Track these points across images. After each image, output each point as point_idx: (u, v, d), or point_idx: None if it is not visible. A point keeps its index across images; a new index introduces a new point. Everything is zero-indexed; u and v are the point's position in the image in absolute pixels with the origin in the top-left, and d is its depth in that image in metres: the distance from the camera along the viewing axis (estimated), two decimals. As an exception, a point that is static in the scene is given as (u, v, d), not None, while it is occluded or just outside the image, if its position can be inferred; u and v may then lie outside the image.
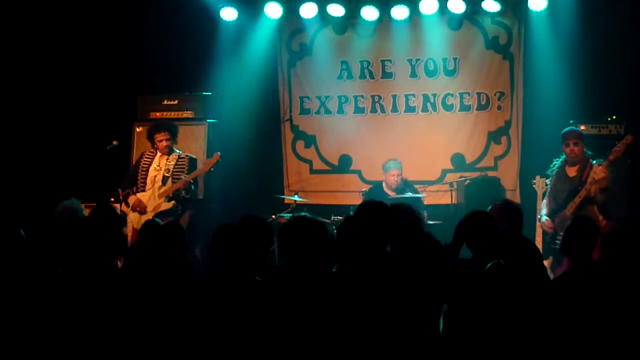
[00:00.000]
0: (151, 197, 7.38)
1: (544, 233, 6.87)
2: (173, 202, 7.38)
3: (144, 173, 7.45)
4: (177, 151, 7.57)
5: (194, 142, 8.44)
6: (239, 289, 3.99)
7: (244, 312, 3.89)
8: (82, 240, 4.34)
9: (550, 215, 6.82)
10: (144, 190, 7.42)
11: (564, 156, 6.86)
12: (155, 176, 7.40)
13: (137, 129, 8.48)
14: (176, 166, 7.44)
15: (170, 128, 7.51)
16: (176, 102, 8.64)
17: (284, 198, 8.76)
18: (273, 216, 8.07)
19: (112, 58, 8.88)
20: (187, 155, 7.58)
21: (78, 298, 4.07)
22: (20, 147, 8.71)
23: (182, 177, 7.36)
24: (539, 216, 6.95)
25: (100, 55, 8.89)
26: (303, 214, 5.46)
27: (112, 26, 8.81)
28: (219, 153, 7.50)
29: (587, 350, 3.82)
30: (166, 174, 7.39)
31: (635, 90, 7.88)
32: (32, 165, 8.66)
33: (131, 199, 7.37)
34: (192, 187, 7.46)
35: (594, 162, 6.62)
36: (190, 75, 8.86)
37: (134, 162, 7.86)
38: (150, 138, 7.51)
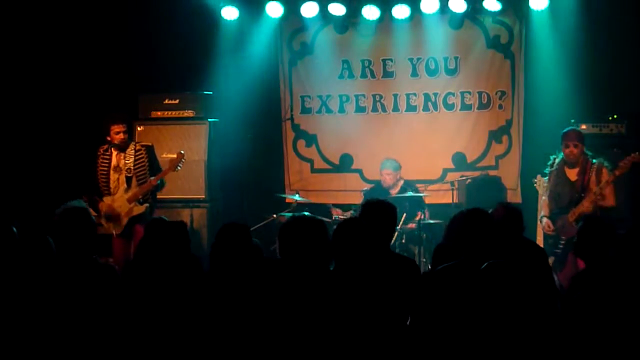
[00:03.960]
0: (120, 201, 7.02)
1: (545, 235, 6.81)
2: (146, 205, 7.06)
3: (104, 176, 7.06)
4: (130, 142, 7.18)
5: (195, 141, 8.45)
6: (242, 287, 3.99)
7: (244, 311, 3.90)
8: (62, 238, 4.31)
9: (551, 217, 6.67)
10: (108, 194, 7.05)
11: (562, 155, 6.68)
12: (118, 178, 7.04)
13: (139, 128, 8.46)
14: (136, 162, 7.07)
15: (127, 121, 7.18)
16: (177, 101, 8.63)
17: (285, 197, 8.77)
18: (274, 215, 8.09)
19: (113, 57, 8.88)
20: (143, 146, 7.20)
21: (75, 296, 4.07)
22: (20, 146, 8.71)
23: (146, 171, 7.07)
24: (540, 216, 6.91)
25: (101, 54, 8.89)
26: (305, 213, 5.48)
27: (113, 25, 8.80)
28: (182, 152, 7.22)
29: (602, 353, 3.80)
30: (128, 174, 7.04)
31: (637, 89, 7.88)
32: (33, 164, 8.65)
33: (101, 207, 6.98)
34: (161, 182, 7.20)
35: (595, 161, 6.52)
36: (191, 75, 8.86)
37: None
38: (106, 130, 7.03)
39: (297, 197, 8.31)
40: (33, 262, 4.26)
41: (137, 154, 7.10)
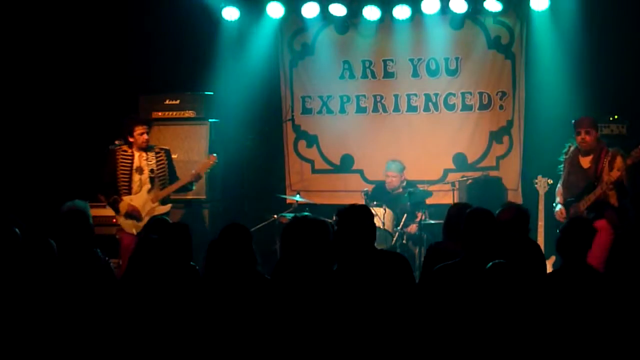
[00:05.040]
0: (143, 201, 7.08)
1: (558, 223, 6.81)
2: (169, 205, 7.19)
3: (125, 176, 7.08)
4: (151, 145, 7.27)
5: (196, 142, 8.44)
6: (243, 288, 4.00)
7: (248, 311, 3.90)
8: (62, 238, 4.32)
9: (565, 205, 6.71)
10: (129, 194, 7.09)
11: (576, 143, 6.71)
12: (141, 178, 7.09)
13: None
14: (158, 163, 7.18)
15: (149, 123, 7.26)
16: (178, 101, 8.63)
17: (285, 198, 8.76)
18: (275, 216, 8.08)
19: (114, 57, 8.88)
20: (162, 149, 7.32)
21: (73, 297, 4.07)
22: (22, 147, 8.71)
23: (166, 174, 7.19)
24: (554, 204, 6.89)
25: (102, 54, 8.90)
26: (305, 214, 5.49)
27: (114, 25, 8.81)
28: (215, 155, 7.32)
29: (573, 350, 3.82)
30: (151, 175, 7.12)
31: (638, 89, 7.88)
32: (34, 165, 8.66)
33: (122, 206, 7.03)
34: (193, 185, 7.34)
35: (610, 149, 6.55)
36: (192, 75, 8.86)
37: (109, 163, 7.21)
38: (129, 130, 7.09)
39: (298, 198, 8.31)
40: (35, 263, 4.27)
41: (158, 156, 7.19)
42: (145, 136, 7.08)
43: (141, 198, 7.08)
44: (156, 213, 7.01)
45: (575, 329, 3.88)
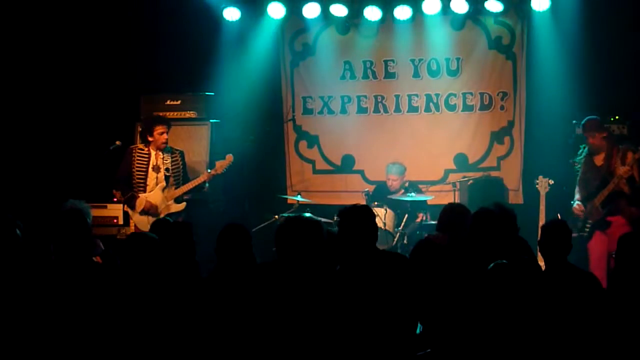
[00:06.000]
0: (159, 198, 7.28)
1: (575, 219, 6.93)
2: (184, 203, 7.38)
3: (141, 174, 7.29)
4: (168, 147, 7.45)
5: (197, 142, 8.45)
6: (242, 288, 4.00)
7: (247, 310, 3.90)
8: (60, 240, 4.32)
9: (583, 202, 6.93)
10: (144, 191, 7.29)
11: None
12: (157, 177, 7.29)
13: (140, 129, 8.46)
14: (173, 163, 7.38)
15: (169, 123, 7.41)
16: (179, 102, 8.64)
17: (286, 198, 8.76)
18: (276, 216, 8.08)
19: (115, 58, 8.89)
20: (177, 150, 7.53)
21: (72, 298, 4.07)
22: (23, 147, 8.71)
23: (180, 174, 7.38)
24: (572, 201, 7.04)
25: (104, 55, 8.90)
26: (306, 214, 5.49)
27: (115, 26, 8.81)
28: (231, 155, 7.47)
29: (555, 348, 3.83)
30: (167, 173, 7.32)
31: (638, 89, 7.88)
32: (35, 165, 8.65)
33: (139, 202, 7.23)
34: (207, 184, 7.48)
35: (621, 146, 6.76)
36: (193, 75, 8.86)
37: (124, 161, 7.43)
38: (149, 130, 7.31)
39: (299, 198, 8.31)
40: (33, 263, 4.27)
41: (174, 156, 7.41)
42: (165, 136, 7.28)
43: (157, 195, 7.28)
44: (172, 211, 7.27)
45: (557, 327, 3.89)
